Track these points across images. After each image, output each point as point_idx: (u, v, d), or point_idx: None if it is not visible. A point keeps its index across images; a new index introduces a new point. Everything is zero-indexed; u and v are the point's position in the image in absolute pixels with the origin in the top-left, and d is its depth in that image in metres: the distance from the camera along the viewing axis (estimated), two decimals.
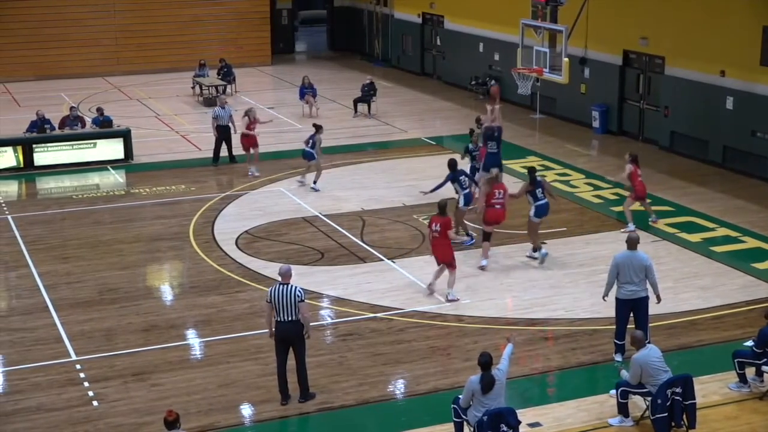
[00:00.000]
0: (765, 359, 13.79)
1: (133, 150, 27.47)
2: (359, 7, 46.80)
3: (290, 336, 13.74)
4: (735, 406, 13.72)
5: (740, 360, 14.03)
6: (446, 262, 17.38)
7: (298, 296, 13.60)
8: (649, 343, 13.40)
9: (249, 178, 25.48)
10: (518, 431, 12.18)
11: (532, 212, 19.33)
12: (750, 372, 14.12)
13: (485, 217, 19.34)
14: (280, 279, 13.87)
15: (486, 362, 12.15)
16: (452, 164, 20.16)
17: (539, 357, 15.50)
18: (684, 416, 12.87)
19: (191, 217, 22.48)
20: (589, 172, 25.85)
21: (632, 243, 14.83)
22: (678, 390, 12.75)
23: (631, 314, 14.91)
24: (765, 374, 13.99)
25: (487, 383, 12.13)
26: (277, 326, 13.77)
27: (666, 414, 12.68)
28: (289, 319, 13.64)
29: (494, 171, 20.55)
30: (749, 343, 14.32)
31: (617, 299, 14.88)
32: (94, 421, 13.62)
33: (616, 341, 15.07)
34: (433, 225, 17.31)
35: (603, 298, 15.24)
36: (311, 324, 14.49)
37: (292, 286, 13.68)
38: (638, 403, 13.30)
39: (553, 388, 14.76)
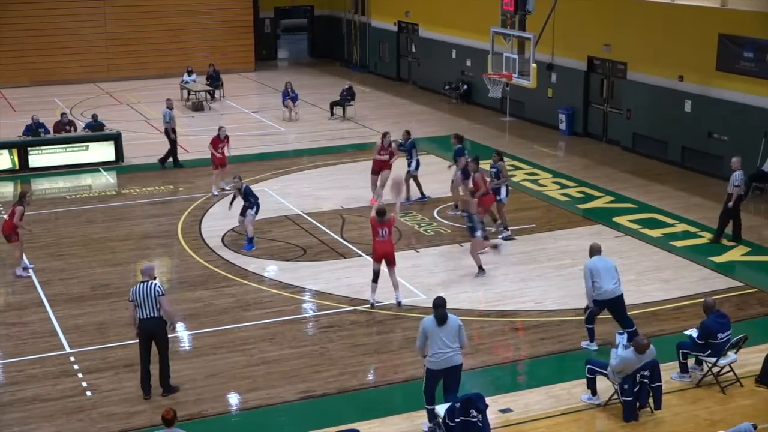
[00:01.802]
0: (708, 351, 13.84)
1: (124, 152, 27.32)
2: (338, 16, 46.70)
3: (153, 331, 13.79)
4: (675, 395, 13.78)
5: (684, 351, 14.09)
6: (391, 258, 16.69)
7: (158, 292, 13.67)
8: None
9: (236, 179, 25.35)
10: (486, 415, 12.15)
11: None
12: (690, 362, 14.19)
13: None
14: (142, 277, 13.92)
15: (440, 303, 12.54)
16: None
17: (510, 347, 15.51)
18: (650, 398, 12.95)
19: (180, 215, 22.37)
20: (556, 172, 25.90)
21: (597, 250, 14.91)
22: (646, 373, 12.82)
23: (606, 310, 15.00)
24: (704, 363, 14.05)
25: (441, 316, 12.40)
26: (141, 323, 13.78)
27: (632, 397, 12.80)
28: (151, 315, 13.69)
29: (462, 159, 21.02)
30: (690, 332, 14.33)
31: (595, 300, 14.82)
32: (87, 410, 13.54)
33: (588, 326, 15.09)
34: (381, 230, 16.49)
35: (586, 307, 15.10)
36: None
37: (152, 283, 13.74)
38: (608, 385, 13.35)
39: (523, 376, 14.77)
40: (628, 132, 28.14)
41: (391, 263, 16.82)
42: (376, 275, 16.83)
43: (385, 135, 23.21)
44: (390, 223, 16.68)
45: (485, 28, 28.66)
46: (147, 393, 13.86)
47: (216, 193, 23.92)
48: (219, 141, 23.91)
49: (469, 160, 20.58)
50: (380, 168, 22.81)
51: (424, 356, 12.62)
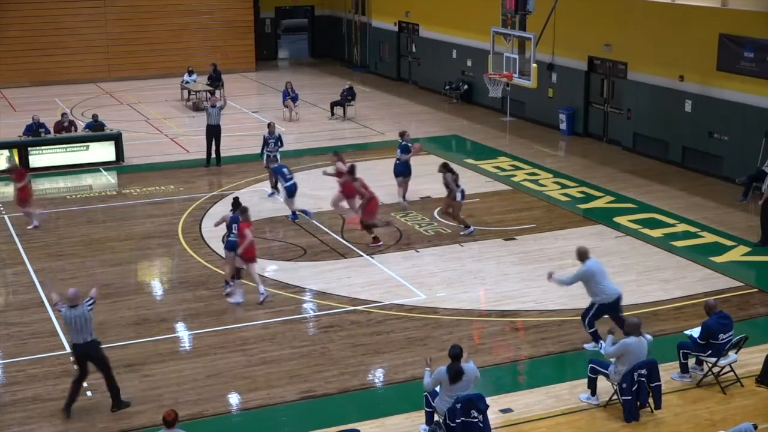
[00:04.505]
0: (709, 351, 13.85)
1: (124, 152, 27.33)
2: (339, 16, 46.71)
3: (88, 356, 13.42)
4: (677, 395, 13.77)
5: (684, 351, 14.10)
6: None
7: (89, 308, 13.29)
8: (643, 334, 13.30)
9: (236, 177, 25.41)
10: (487, 415, 12.15)
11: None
12: (691, 362, 14.18)
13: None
14: (68, 304, 13.35)
15: (456, 354, 12.14)
16: (235, 204, 18.24)
17: (510, 347, 15.51)
18: (650, 398, 12.96)
19: (180, 215, 22.37)
20: (556, 172, 25.89)
21: (586, 254, 14.96)
22: (644, 372, 12.82)
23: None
24: (704, 363, 14.05)
25: (455, 374, 12.10)
26: (75, 349, 13.43)
27: (631, 397, 12.81)
28: (85, 340, 13.27)
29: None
30: (690, 332, 14.32)
31: (601, 305, 14.83)
32: (88, 410, 13.53)
33: (590, 330, 15.04)
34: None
35: (549, 275, 15.31)
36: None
37: (81, 306, 13.29)
38: (608, 385, 13.36)
39: (523, 376, 14.77)
40: (629, 132, 28.14)
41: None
42: (240, 273, 17.33)
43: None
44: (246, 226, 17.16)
45: (486, 27, 28.65)
46: (69, 413, 13.32)
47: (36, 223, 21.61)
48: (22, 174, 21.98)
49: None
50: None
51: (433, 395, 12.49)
